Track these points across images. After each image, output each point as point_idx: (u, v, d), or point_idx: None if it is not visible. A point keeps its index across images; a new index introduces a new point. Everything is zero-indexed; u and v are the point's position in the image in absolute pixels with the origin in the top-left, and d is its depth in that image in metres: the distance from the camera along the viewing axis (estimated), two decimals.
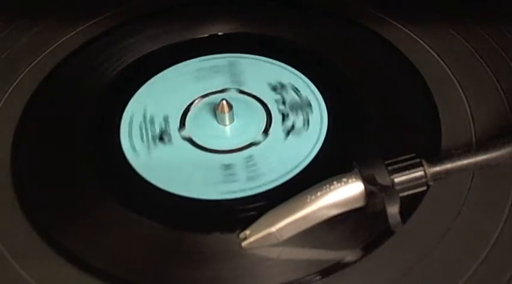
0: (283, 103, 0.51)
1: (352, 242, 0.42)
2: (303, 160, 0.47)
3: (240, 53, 0.56)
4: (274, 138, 0.49)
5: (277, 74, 0.54)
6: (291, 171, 0.46)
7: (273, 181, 0.46)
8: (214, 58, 0.56)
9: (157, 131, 0.49)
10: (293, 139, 0.49)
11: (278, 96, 0.52)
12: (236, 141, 0.49)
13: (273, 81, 0.53)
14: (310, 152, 0.47)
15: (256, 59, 0.55)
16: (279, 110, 0.51)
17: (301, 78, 0.53)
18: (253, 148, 0.48)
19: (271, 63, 0.55)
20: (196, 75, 0.54)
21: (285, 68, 0.54)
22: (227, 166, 0.47)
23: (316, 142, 0.48)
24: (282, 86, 0.52)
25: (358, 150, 0.47)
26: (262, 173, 0.46)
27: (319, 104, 0.51)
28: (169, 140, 0.49)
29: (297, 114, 0.50)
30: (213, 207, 0.44)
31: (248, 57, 0.55)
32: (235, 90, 0.53)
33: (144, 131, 0.49)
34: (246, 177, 0.46)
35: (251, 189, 0.45)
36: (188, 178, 0.46)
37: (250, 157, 0.48)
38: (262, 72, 0.54)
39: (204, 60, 0.55)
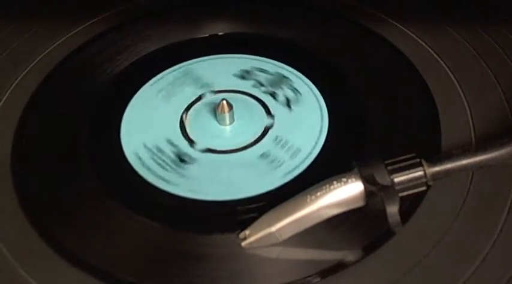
0: (261, 85, 0.52)
1: (352, 242, 0.42)
2: (302, 162, 0.47)
3: (240, 53, 0.56)
4: (281, 115, 0.50)
5: (276, 73, 0.54)
6: (291, 171, 0.46)
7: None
8: (166, 74, 0.55)
9: (173, 156, 0.48)
10: (297, 110, 0.49)
11: (252, 82, 0.53)
12: (249, 133, 0.49)
13: (238, 72, 0.54)
14: (310, 153, 0.47)
15: (252, 59, 0.56)
16: (264, 92, 0.52)
17: (301, 78, 0.53)
18: (270, 131, 0.49)
19: (270, 63, 0.55)
20: (163, 95, 0.53)
21: (284, 68, 0.54)
22: (264, 155, 0.47)
23: (317, 142, 0.48)
24: (248, 72, 0.53)
25: (358, 150, 0.47)
26: (298, 146, 0.47)
27: (320, 104, 0.51)
28: (191, 159, 0.48)
29: (281, 88, 0.51)
30: (213, 207, 0.44)
31: (245, 58, 0.56)
32: (209, 92, 0.53)
33: (161, 161, 0.48)
34: (289, 156, 0.46)
35: (301, 162, 0.46)
36: (238, 182, 0.46)
37: (276, 138, 0.48)
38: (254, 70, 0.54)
39: (159, 79, 0.54)
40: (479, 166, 0.41)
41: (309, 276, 0.40)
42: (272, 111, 0.50)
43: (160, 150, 0.49)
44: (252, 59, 0.55)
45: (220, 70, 0.54)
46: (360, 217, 0.42)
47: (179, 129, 0.50)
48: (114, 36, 0.58)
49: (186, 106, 0.52)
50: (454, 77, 0.52)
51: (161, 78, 0.54)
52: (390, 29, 0.57)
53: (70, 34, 0.59)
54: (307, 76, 0.53)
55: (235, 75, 0.53)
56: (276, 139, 0.48)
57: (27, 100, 0.52)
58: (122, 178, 0.47)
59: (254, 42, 0.57)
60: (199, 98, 0.52)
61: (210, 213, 0.44)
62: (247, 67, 0.54)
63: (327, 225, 0.41)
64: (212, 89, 0.53)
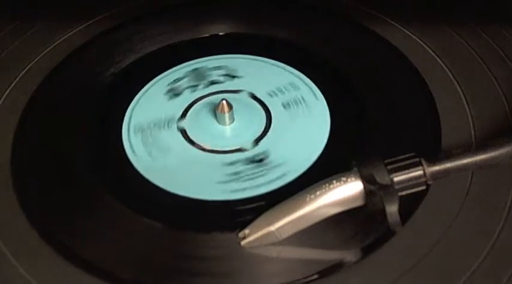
0: (277, 95, 0.52)
1: (352, 242, 0.42)
2: (302, 163, 0.47)
3: (240, 53, 0.56)
4: (279, 126, 0.50)
5: (276, 74, 0.54)
6: (291, 172, 0.46)
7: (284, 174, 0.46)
8: (197, 62, 0.56)
9: (162, 141, 0.49)
10: (298, 125, 0.49)
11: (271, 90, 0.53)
12: (243, 138, 0.49)
13: (264, 78, 0.53)
14: (310, 154, 0.47)
15: (252, 59, 0.56)
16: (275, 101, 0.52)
17: (301, 78, 0.53)
18: (262, 141, 0.49)
19: (270, 63, 0.55)
20: (181, 82, 0.54)
21: (284, 68, 0.54)
22: (242, 163, 0.47)
23: (318, 142, 0.48)
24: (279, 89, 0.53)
25: (358, 149, 0.47)
26: (279, 164, 0.47)
27: (320, 104, 0.51)
28: (175, 148, 0.48)
29: (289, 92, 0.52)
30: (213, 206, 0.44)
31: (245, 58, 0.56)
32: (226, 90, 0.53)
33: (147, 143, 0.49)
34: (265, 171, 0.46)
35: (272, 182, 0.46)
36: (203, 181, 0.46)
37: (263, 151, 0.48)
38: (258, 72, 0.54)
39: (187, 65, 0.55)
40: (479, 166, 0.41)
41: (309, 276, 0.40)
42: (271, 111, 0.50)
43: (152, 132, 0.50)
44: (290, 72, 0.54)
45: (256, 75, 0.54)
46: (359, 217, 0.42)
47: (179, 119, 0.51)
48: (114, 36, 0.58)
49: (194, 98, 0.52)
50: (454, 77, 0.52)
51: (163, 77, 0.54)
52: (390, 29, 0.57)
53: (70, 34, 0.59)
54: (307, 76, 0.53)
55: (258, 78, 0.54)
56: (261, 151, 0.48)
57: (27, 100, 0.53)
58: (122, 178, 0.47)
59: (254, 42, 0.57)
60: (213, 93, 0.53)
61: (210, 212, 0.44)
62: (284, 82, 0.53)
63: (326, 225, 0.41)
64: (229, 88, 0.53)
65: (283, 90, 0.52)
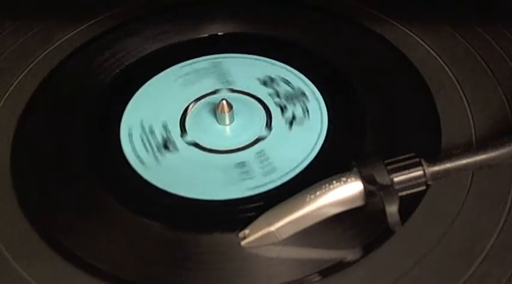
0: (278, 96, 0.52)
1: (352, 242, 0.42)
2: (302, 162, 0.47)
3: (239, 53, 0.56)
4: (278, 131, 0.49)
5: (275, 73, 0.54)
6: (290, 171, 0.46)
7: (278, 178, 0.46)
8: (198, 61, 0.55)
9: (160, 140, 0.49)
10: (297, 129, 0.49)
11: (271, 90, 0.52)
12: (241, 138, 0.49)
13: (262, 77, 0.53)
14: (309, 153, 0.47)
15: (252, 59, 0.56)
16: (275, 103, 0.51)
17: (300, 78, 0.53)
18: (260, 143, 0.48)
19: (270, 63, 0.55)
20: (184, 79, 0.54)
21: (283, 68, 0.54)
22: (241, 164, 0.47)
23: (316, 142, 0.48)
24: (272, 80, 0.53)
25: (358, 149, 0.47)
26: (276, 166, 0.47)
27: (320, 104, 0.51)
28: (175, 147, 0.49)
29: (294, 104, 0.51)
30: (213, 207, 0.44)
31: (236, 57, 0.56)
32: (227, 89, 0.53)
33: (146, 142, 0.49)
34: (262, 172, 0.46)
35: (269, 183, 0.45)
36: (205, 182, 0.46)
37: (260, 151, 0.48)
38: (252, 70, 0.54)
39: (188, 64, 0.55)
40: (479, 166, 0.41)
41: (309, 275, 0.40)
42: (272, 125, 0.50)
43: (152, 131, 0.49)
44: (290, 71, 0.54)
45: (251, 72, 0.54)
46: (359, 217, 0.42)
47: (179, 118, 0.51)
48: (114, 36, 0.58)
49: (197, 97, 0.52)
50: (454, 77, 0.52)
51: (163, 77, 0.54)
52: (390, 29, 0.57)
53: (70, 34, 0.59)
54: (306, 76, 0.53)
55: (258, 79, 0.53)
56: (260, 152, 0.48)
57: (27, 100, 0.53)
58: (122, 178, 0.47)
59: (254, 42, 0.57)
60: (214, 92, 0.53)
61: (210, 212, 0.44)
62: (277, 76, 0.54)
63: (326, 225, 0.41)
64: (230, 87, 0.53)
65: (274, 83, 0.52)
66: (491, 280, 0.39)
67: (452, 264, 0.40)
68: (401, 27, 0.57)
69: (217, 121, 0.50)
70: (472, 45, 0.54)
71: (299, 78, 0.53)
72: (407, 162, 0.40)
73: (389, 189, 0.39)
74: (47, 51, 0.57)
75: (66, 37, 0.58)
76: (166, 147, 0.48)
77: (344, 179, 0.40)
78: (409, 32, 0.56)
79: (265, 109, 0.51)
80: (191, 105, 0.51)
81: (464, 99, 0.50)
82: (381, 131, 0.49)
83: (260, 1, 0.61)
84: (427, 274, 0.40)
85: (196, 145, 0.49)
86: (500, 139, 0.41)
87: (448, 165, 0.40)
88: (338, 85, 0.52)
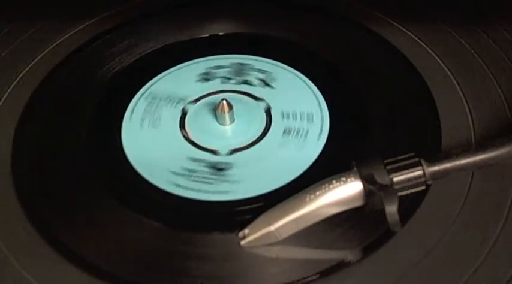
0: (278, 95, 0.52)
1: (352, 242, 0.42)
2: (302, 162, 0.47)
3: (240, 53, 0.56)
4: (278, 131, 0.49)
5: (275, 73, 0.54)
6: (290, 172, 0.46)
7: (278, 180, 0.46)
8: (198, 61, 0.56)
9: (208, 169, 0.48)
10: (294, 140, 0.49)
11: (271, 90, 0.52)
12: (241, 138, 0.49)
13: (262, 77, 0.53)
14: (310, 153, 0.47)
15: (252, 59, 0.56)
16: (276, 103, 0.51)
17: (301, 78, 0.53)
18: (261, 143, 0.48)
19: (270, 63, 0.55)
20: (183, 81, 0.54)
21: (284, 68, 0.54)
22: (241, 164, 0.47)
23: (316, 142, 0.48)
24: (272, 80, 0.53)
25: (358, 149, 0.47)
26: (276, 166, 0.47)
27: (320, 104, 0.51)
28: (226, 164, 0.48)
29: (295, 120, 0.51)
30: (213, 207, 0.44)
31: (236, 57, 0.56)
32: (227, 89, 0.53)
33: (199, 178, 0.48)
34: (262, 172, 0.46)
35: (270, 183, 0.45)
36: (205, 182, 0.46)
37: (260, 152, 0.48)
38: (252, 70, 0.54)
39: (188, 64, 0.55)
40: (478, 166, 0.41)
41: (309, 276, 0.40)
42: (272, 112, 0.50)
43: (191, 170, 0.48)
44: (290, 72, 0.54)
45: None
46: (360, 217, 0.42)
47: (179, 118, 0.51)
48: (114, 36, 0.58)
49: (197, 97, 0.52)
50: (454, 77, 0.52)
51: (163, 77, 0.54)
52: (390, 29, 0.57)
53: (70, 34, 0.59)
54: (307, 76, 0.53)
55: (258, 79, 0.54)
56: (260, 152, 0.48)
57: (27, 100, 0.53)
58: (122, 178, 0.47)
59: (254, 42, 0.57)
60: (214, 92, 0.53)
61: (210, 212, 0.44)
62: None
63: (326, 225, 0.41)
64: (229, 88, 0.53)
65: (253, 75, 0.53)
66: (491, 280, 0.39)
67: (452, 264, 0.40)
68: (401, 27, 0.57)
69: (217, 121, 0.50)
70: (471, 46, 0.54)
71: (299, 78, 0.53)
72: (407, 162, 0.40)
73: (389, 188, 0.39)
74: (47, 51, 0.57)
75: (66, 37, 0.58)
76: (219, 169, 0.48)
77: (344, 179, 0.40)
78: (409, 33, 0.56)
79: (265, 110, 0.51)
80: (191, 105, 0.51)
81: (464, 99, 0.50)
82: (381, 131, 0.49)
83: (260, 1, 0.61)
84: (427, 274, 0.40)
85: (196, 145, 0.49)
86: (499, 139, 0.41)
87: (447, 165, 0.40)
88: (338, 86, 0.52)
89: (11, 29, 0.60)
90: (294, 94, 0.52)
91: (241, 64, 0.54)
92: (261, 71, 0.53)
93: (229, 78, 0.53)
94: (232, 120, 0.50)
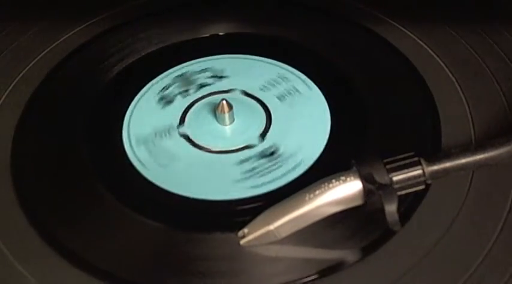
0: (278, 96, 0.52)
1: (352, 242, 0.42)
2: (302, 162, 0.47)
3: (240, 53, 0.56)
4: (278, 131, 0.49)
5: (275, 72, 0.54)
6: (291, 172, 0.46)
7: (278, 178, 0.46)
8: (198, 61, 0.56)
9: (160, 140, 0.49)
10: (298, 129, 0.49)
11: (271, 90, 0.53)
12: (241, 138, 0.49)
13: (262, 77, 0.54)
14: (310, 153, 0.47)
15: (253, 59, 0.56)
16: (276, 103, 0.52)
17: (300, 78, 0.53)
18: (260, 143, 0.48)
19: (270, 63, 0.55)
20: (184, 79, 0.54)
21: (284, 68, 0.54)
22: (241, 164, 0.47)
23: (317, 142, 0.48)
24: (272, 80, 0.53)
25: (358, 149, 0.47)
26: (276, 166, 0.47)
27: (320, 104, 0.51)
28: (175, 147, 0.49)
29: (294, 104, 0.51)
30: (213, 207, 0.44)
31: (242, 58, 0.56)
32: (227, 90, 0.53)
33: (147, 142, 0.49)
34: (262, 173, 0.46)
35: (270, 183, 0.46)
36: (205, 182, 0.46)
37: (260, 152, 0.48)
38: (252, 70, 0.54)
39: (188, 64, 0.55)
40: (478, 165, 0.41)
41: (309, 275, 0.40)
42: (272, 113, 0.50)
43: (152, 131, 0.49)
44: (291, 72, 0.54)
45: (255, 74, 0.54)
46: (360, 217, 0.42)
47: (179, 118, 0.51)
48: (114, 36, 0.58)
49: (197, 97, 0.52)
50: (454, 77, 0.52)
51: (163, 77, 0.54)
52: (390, 29, 0.57)
53: (70, 34, 0.59)
54: (307, 76, 0.53)
55: (258, 79, 0.54)
56: (259, 152, 0.48)
57: (27, 100, 0.53)
58: (122, 178, 0.47)
59: (254, 42, 0.57)
60: (214, 92, 0.53)
61: (210, 212, 0.44)
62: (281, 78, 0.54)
63: (326, 224, 0.41)
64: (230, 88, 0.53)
65: (283, 89, 0.53)
66: (491, 281, 0.39)
67: (452, 264, 0.40)
68: (401, 27, 0.57)
69: (217, 121, 0.50)
70: (471, 46, 0.54)
71: (299, 78, 0.53)
72: (406, 161, 0.40)
73: (388, 188, 0.39)
74: (47, 51, 0.57)
75: (66, 37, 0.58)
76: (171, 154, 0.48)
77: (343, 178, 0.40)
78: (409, 33, 0.56)
79: (265, 110, 0.51)
80: (191, 105, 0.51)
81: (464, 99, 0.50)
82: (381, 131, 0.49)
83: (260, 1, 0.62)
84: (427, 274, 0.40)
85: (196, 145, 0.49)
86: (499, 138, 0.41)
87: (447, 164, 0.40)
88: (338, 85, 0.52)
89: (11, 29, 0.60)
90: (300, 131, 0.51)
91: (181, 74, 0.54)
92: (294, 89, 0.53)
93: (185, 91, 0.53)
94: (232, 120, 0.50)
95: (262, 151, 0.48)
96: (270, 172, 0.46)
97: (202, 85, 0.53)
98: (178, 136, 0.49)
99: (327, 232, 0.42)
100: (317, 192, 0.40)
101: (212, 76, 0.54)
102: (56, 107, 0.52)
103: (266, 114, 0.50)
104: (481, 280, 0.39)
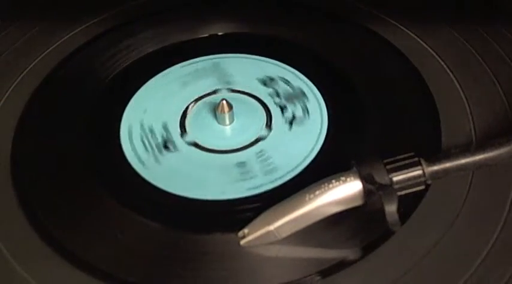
0: (278, 96, 0.52)
1: (352, 242, 0.42)
2: (302, 162, 0.47)
3: (240, 53, 0.56)
4: (278, 131, 0.49)
5: (275, 73, 0.54)
6: (290, 171, 0.46)
7: (278, 178, 0.46)
8: (198, 61, 0.56)
9: (160, 140, 0.49)
10: (297, 129, 0.49)
11: (271, 90, 0.52)
12: (241, 138, 0.49)
13: (262, 77, 0.54)
14: (309, 153, 0.47)
15: (253, 59, 0.56)
16: (276, 103, 0.51)
17: (300, 78, 0.53)
18: (260, 143, 0.48)
19: (270, 63, 0.55)
20: (184, 79, 0.54)
21: (284, 68, 0.54)
22: (241, 164, 0.47)
23: (316, 142, 0.48)
24: (272, 80, 0.53)
25: (358, 150, 0.47)
26: (276, 166, 0.47)
27: (320, 104, 0.51)
28: (175, 148, 0.49)
29: (294, 104, 0.51)
30: (213, 207, 0.44)
31: (242, 57, 0.56)
32: (227, 89, 0.53)
33: (146, 142, 0.49)
34: (262, 172, 0.46)
35: (269, 183, 0.45)
36: (205, 182, 0.46)
37: (260, 151, 0.48)
38: (252, 70, 0.54)
39: (188, 64, 0.55)
40: (478, 165, 0.41)
41: (309, 275, 0.40)
42: (272, 125, 0.50)
43: (152, 131, 0.49)
44: (290, 71, 0.54)
45: (252, 72, 0.54)
46: (360, 217, 0.42)
47: (179, 118, 0.51)
48: (114, 36, 0.58)
49: (197, 97, 0.52)
50: (454, 77, 0.52)
51: (163, 77, 0.54)
52: (390, 29, 0.57)
53: (70, 34, 0.59)
54: (307, 76, 0.53)
55: (259, 80, 0.53)
56: (260, 152, 0.48)
57: (27, 100, 0.53)
58: (122, 178, 0.47)
59: (254, 42, 0.57)
60: (214, 92, 0.53)
61: (210, 212, 0.44)
62: (280, 78, 0.54)
63: (326, 224, 0.41)
64: (230, 87, 0.53)
65: (274, 83, 0.53)
66: (491, 281, 0.39)
67: (452, 264, 0.40)
68: (401, 27, 0.57)
69: (217, 121, 0.50)
70: (472, 45, 0.54)
71: (299, 78, 0.53)
72: (406, 162, 0.40)
73: (388, 188, 0.39)
74: (47, 51, 0.57)
75: (66, 37, 0.58)
76: (166, 147, 0.48)
77: (343, 178, 0.40)
78: (409, 32, 0.56)
79: (265, 109, 0.51)
80: (191, 105, 0.52)
81: (464, 99, 0.50)
82: (381, 131, 0.49)
83: (260, 1, 0.62)
84: (427, 274, 0.40)
85: (196, 145, 0.49)
86: (499, 138, 0.41)
87: (447, 165, 0.40)
88: (338, 85, 0.53)
89: (11, 29, 0.60)
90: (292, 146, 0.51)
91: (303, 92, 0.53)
92: (305, 108, 0.53)
93: (278, 94, 0.53)
94: (232, 120, 0.50)
95: (262, 151, 0.48)
96: (269, 172, 0.46)
97: (202, 86, 0.53)
98: (178, 136, 0.49)
99: (327, 232, 0.42)
100: (317, 192, 0.40)
101: (212, 77, 0.54)
102: (56, 107, 0.52)
103: (266, 113, 0.50)
104: (481, 280, 0.39)
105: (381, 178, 0.40)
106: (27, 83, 0.54)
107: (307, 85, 0.53)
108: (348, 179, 0.40)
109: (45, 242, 0.43)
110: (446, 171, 0.41)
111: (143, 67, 0.55)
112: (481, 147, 0.41)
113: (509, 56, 0.53)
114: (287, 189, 0.44)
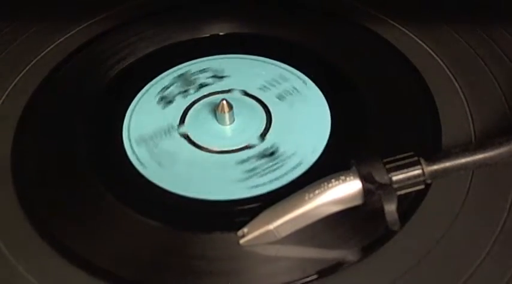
0: (278, 96, 0.52)
1: (352, 242, 0.42)
2: (302, 162, 0.47)
3: (240, 53, 0.56)
4: (279, 131, 0.49)
5: (275, 73, 0.54)
6: (291, 172, 0.46)
7: (278, 178, 0.46)
8: (198, 61, 0.56)
9: (161, 140, 0.49)
10: (298, 129, 0.49)
11: (271, 90, 0.52)
12: (242, 138, 0.49)
13: (262, 77, 0.54)
14: (310, 153, 0.47)
15: (253, 59, 0.56)
16: (276, 103, 0.51)
17: (301, 78, 0.53)
18: (261, 143, 0.48)
19: (270, 63, 0.55)
20: (184, 79, 0.54)
21: (284, 68, 0.54)
22: (241, 164, 0.47)
23: (317, 142, 0.48)
24: (272, 80, 0.53)
25: (358, 149, 0.47)
26: (276, 166, 0.47)
27: (320, 104, 0.51)
28: (175, 147, 0.49)
29: (294, 104, 0.51)
30: (213, 206, 0.44)
31: (242, 58, 0.56)
32: (227, 90, 0.53)
33: (147, 142, 0.49)
34: (262, 172, 0.46)
35: (270, 183, 0.45)
36: (205, 182, 0.46)
37: (260, 152, 0.48)
38: (252, 70, 0.54)
39: (188, 64, 0.55)
40: (477, 165, 0.41)
41: (308, 275, 0.40)
42: (272, 113, 0.50)
43: (152, 131, 0.50)
44: (291, 72, 0.54)
45: (254, 73, 0.54)
46: (359, 217, 0.42)
47: (179, 118, 0.51)
48: (114, 36, 0.58)
49: (197, 97, 0.52)
50: (454, 77, 0.52)
51: (163, 77, 0.54)
52: (390, 29, 0.57)
53: (70, 34, 0.59)
54: (307, 76, 0.53)
55: (258, 79, 0.54)
56: (260, 152, 0.48)
57: (27, 100, 0.53)
58: (122, 178, 0.47)
59: (254, 42, 0.57)
60: (214, 92, 0.53)
61: (210, 212, 0.44)
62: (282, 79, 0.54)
63: (325, 224, 0.41)
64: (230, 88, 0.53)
65: (283, 88, 0.52)
66: (491, 280, 0.39)
67: (452, 264, 0.40)
68: (401, 27, 0.57)
69: (217, 121, 0.50)
70: (471, 45, 0.54)
71: (299, 78, 0.53)
72: (406, 161, 0.40)
73: (388, 187, 0.39)
74: (47, 51, 0.57)
75: (66, 37, 0.59)
76: (172, 153, 0.48)
77: (343, 178, 0.40)
78: (409, 33, 0.56)
79: (265, 110, 0.51)
80: (191, 105, 0.52)
81: (464, 99, 0.50)
82: (381, 131, 0.49)
83: (260, 1, 0.62)
84: (427, 274, 0.40)
85: (196, 145, 0.49)
86: (499, 138, 0.41)
87: (446, 164, 0.40)
88: (338, 85, 0.53)
89: (11, 29, 0.60)
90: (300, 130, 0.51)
91: (182, 74, 0.54)
92: (294, 89, 0.53)
93: (185, 91, 0.53)
94: (232, 120, 0.50)
95: (262, 151, 0.48)
96: (270, 172, 0.46)
97: (202, 85, 0.53)
98: (178, 136, 0.49)
99: (327, 232, 0.42)
100: (317, 192, 0.40)
101: (212, 76, 0.54)
102: (56, 107, 0.52)
103: (266, 114, 0.50)
104: (481, 280, 0.39)
105: (380, 177, 0.40)
106: (27, 83, 0.54)
107: (307, 85, 0.53)
108: (348, 178, 0.40)
109: (46, 242, 0.43)
110: (446, 171, 0.41)
111: (143, 67, 0.55)
112: (480, 147, 0.41)
113: (509, 56, 0.53)
114: (288, 189, 0.44)
